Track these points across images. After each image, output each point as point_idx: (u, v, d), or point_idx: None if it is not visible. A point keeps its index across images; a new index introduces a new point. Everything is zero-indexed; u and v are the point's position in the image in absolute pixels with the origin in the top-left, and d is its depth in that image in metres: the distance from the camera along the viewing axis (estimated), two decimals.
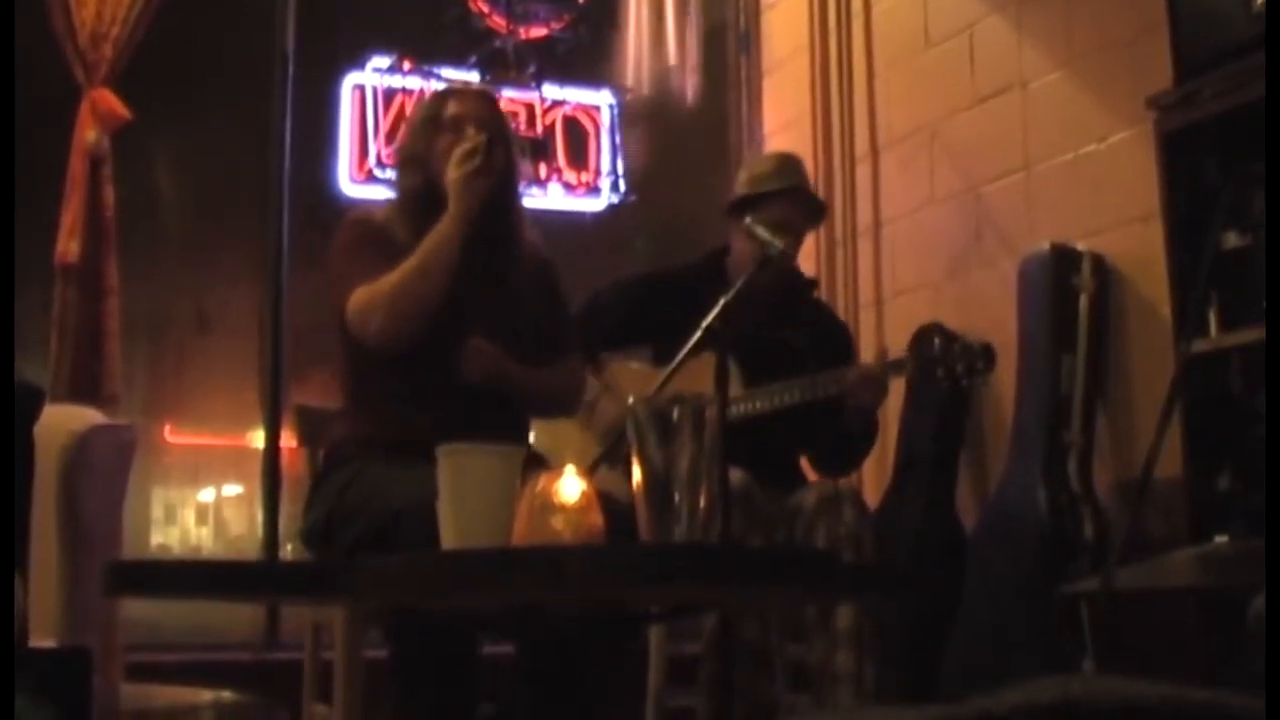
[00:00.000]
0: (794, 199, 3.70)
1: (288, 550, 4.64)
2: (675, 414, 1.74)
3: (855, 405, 3.49)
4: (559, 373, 3.15)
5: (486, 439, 1.94)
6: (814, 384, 3.48)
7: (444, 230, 2.90)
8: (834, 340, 3.81)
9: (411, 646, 2.62)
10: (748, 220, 3.54)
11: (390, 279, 2.87)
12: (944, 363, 3.44)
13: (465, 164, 2.92)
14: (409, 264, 2.88)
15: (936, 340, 3.59)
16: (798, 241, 3.69)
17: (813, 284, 4.03)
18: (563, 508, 1.78)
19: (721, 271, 3.68)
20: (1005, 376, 4.07)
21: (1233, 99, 3.31)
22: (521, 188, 3.33)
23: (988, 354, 3.43)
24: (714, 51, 5.99)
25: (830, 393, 3.46)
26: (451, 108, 3.09)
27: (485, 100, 3.21)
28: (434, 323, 2.87)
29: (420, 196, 3.03)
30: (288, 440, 4.69)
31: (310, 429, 3.21)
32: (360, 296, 2.89)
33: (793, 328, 3.72)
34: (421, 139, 3.09)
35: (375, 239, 3.00)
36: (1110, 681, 0.82)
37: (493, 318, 2.98)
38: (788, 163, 3.85)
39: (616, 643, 2.82)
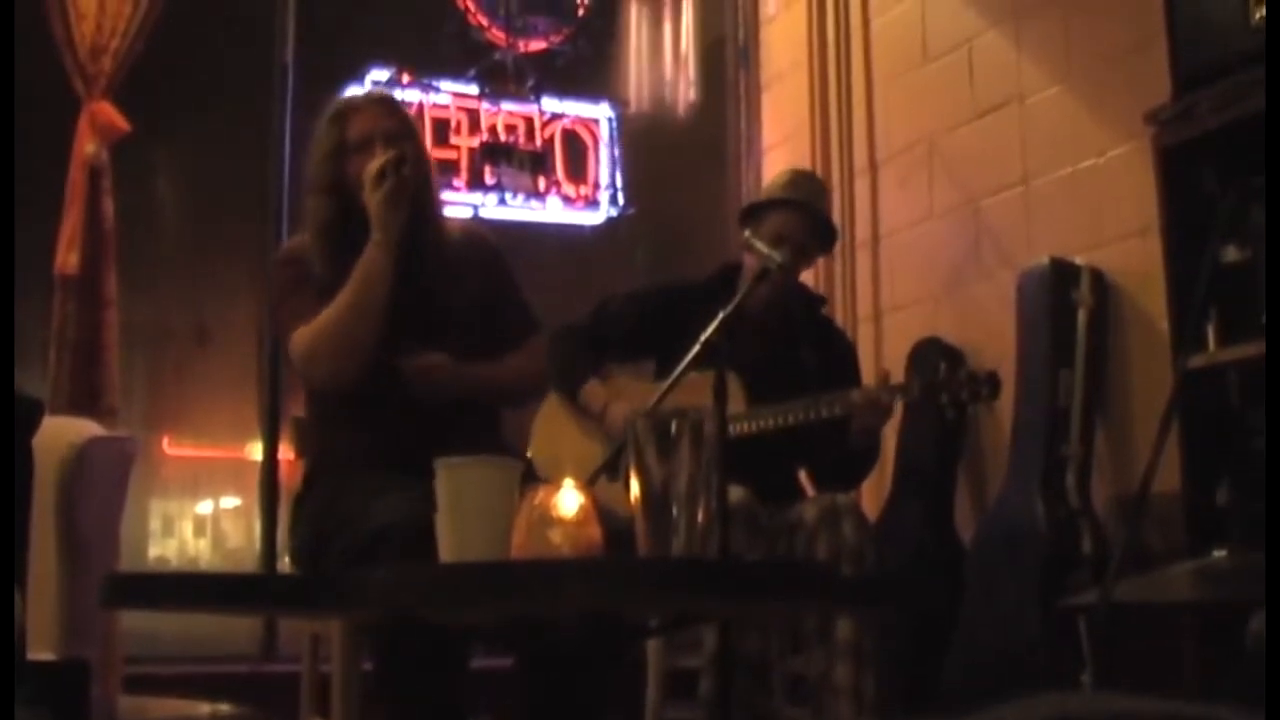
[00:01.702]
0: (797, 212, 3.69)
1: (286, 562, 4.64)
2: (674, 427, 1.74)
3: (859, 427, 3.48)
4: (520, 358, 3.13)
5: (453, 450, 1.93)
6: (818, 404, 3.48)
7: (371, 259, 2.89)
8: (839, 359, 3.80)
9: (397, 661, 2.62)
10: (747, 234, 3.55)
11: (327, 319, 2.87)
12: (949, 389, 3.44)
13: (380, 186, 2.89)
14: (343, 301, 2.87)
15: (942, 365, 3.58)
16: (799, 256, 3.67)
17: (821, 301, 4.02)
18: (561, 521, 1.78)
19: (732, 286, 3.67)
20: (1004, 391, 4.07)
21: (1231, 112, 3.31)
22: (436, 182, 3.27)
23: (992, 381, 3.41)
24: (713, 65, 6.00)
25: (834, 413, 3.46)
26: (354, 127, 3.04)
27: (386, 110, 3.14)
28: (379, 347, 2.87)
29: (336, 227, 3.00)
30: (286, 452, 4.69)
31: (308, 441, 3.21)
32: (301, 340, 2.90)
33: (798, 346, 3.72)
34: (331, 168, 3.04)
35: (304, 278, 2.99)
36: (1107, 697, 0.82)
37: (436, 321, 2.98)
38: (800, 178, 3.85)
39: (614, 655, 2.82)
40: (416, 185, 2.97)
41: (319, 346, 2.88)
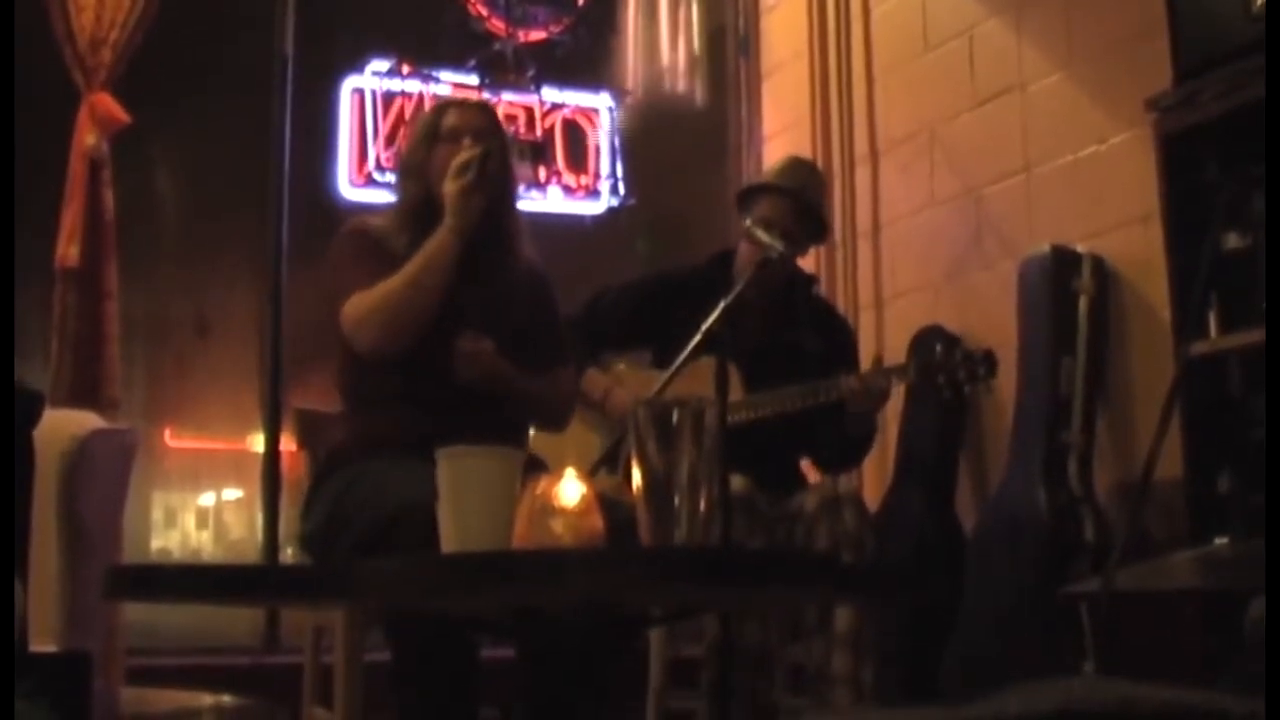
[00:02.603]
0: (785, 198, 3.69)
1: (288, 554, 4.64)
2: (675, 417, 1.74)
3: (856, 411, 3.48)
4: (552, 382, 3.17)
5: (483, 440, 1.94)
6: (815, 390, 3.48)
7: (439, 242, 2.95)
8: (836, 340, 3.80)
9: (411, 650, 2.62)
10: (748, 222, 3.55)
11: (383, 288, 2.92)
12: (945, 369, 3.44)
13: (461, 177, 2.96)
14: (403, 277, 2.92)
15: (938, 346, 3.58)
16: (791, 242, 3.65)
17: (811, 280, 4.02)
18: (563, 511, 1.78)
19: (726, 274, 3.67)
20: (1005, 378, 4.06)
21: (1232, 100, 3.31)
22: (518, 196, 3.37)
23: (989, 360, 3.42)
24: (713, 54, 5.99)
25: (831, 398, 3.46)
26: (449, 119, 3.14)
27: (483, 111, 3.25)
28: (427, 329, 2.90)
29: (418, 207, 3.08)
30: (287, 444, 4.69)
31: (310, 432, 3.21)
32: (354, 305, 2.94)
33: (794, 328, 3.72)
34: (420, 150, 3.14)
35: (372, 249, 3.04)
36: (1110, 685, 0.82)
37: (484, 321, 3.00)
38: (795, 166, 3.86)
39: (616, 645, 2.82)
40: (497, 188, 3.05)
41: (371, 315, 2.92)
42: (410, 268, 2.92)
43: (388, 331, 2.91)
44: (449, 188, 2.97)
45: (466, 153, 2.99)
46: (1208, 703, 0.80)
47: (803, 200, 3.71)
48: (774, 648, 3.36)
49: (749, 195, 3.80)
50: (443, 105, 3.26)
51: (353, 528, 2.69)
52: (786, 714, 3.35)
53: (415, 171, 3.13)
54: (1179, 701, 0.80)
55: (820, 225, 3.80)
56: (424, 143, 3.14)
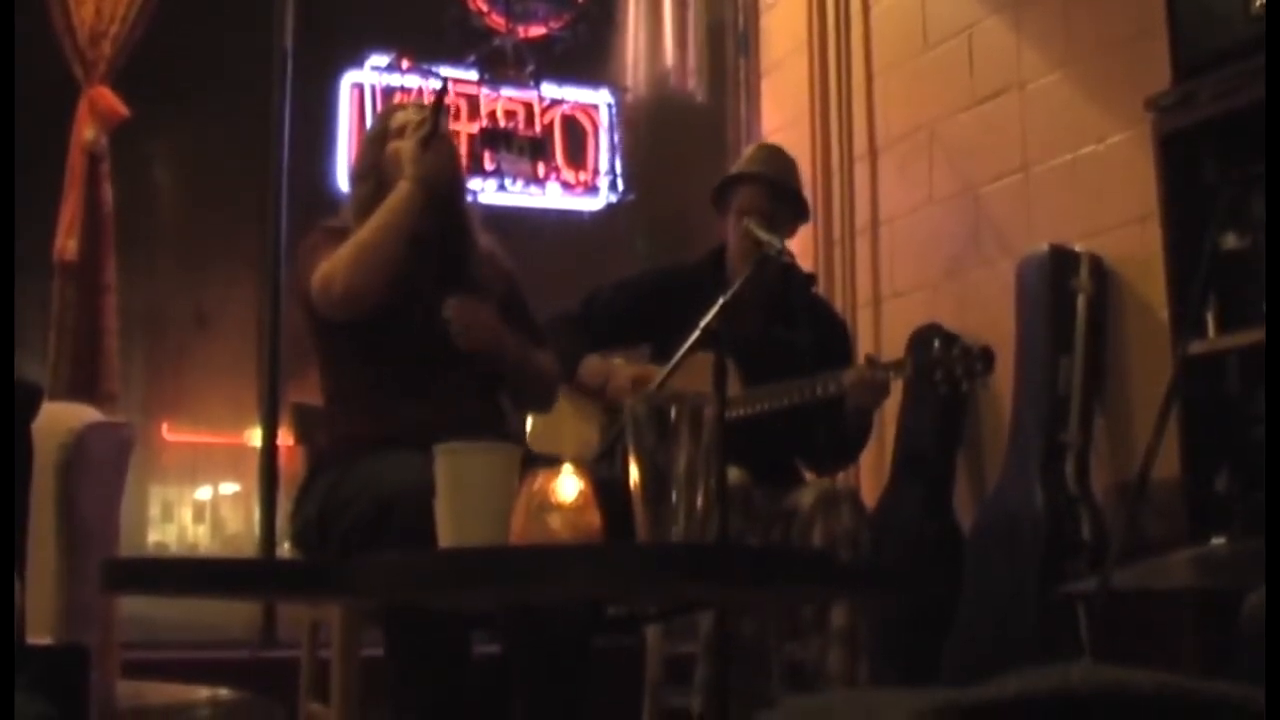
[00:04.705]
0: (756, 184, 3.70)
1: (285, 548, 4.64)
2: (673, 413, 1.74)
3: (855, 407, 3.48)
4: (543, 357, 3.17)
5: (469, 429, 1.94)
6: (813, 386, 3.48)
7: (400, 191, 2.97)
8: (833, 338, 3.80)
9: (406, 644, 2.62)
10: (746, 222, 3.55)
11: (351, 240, 2.93)
12: (943, 365, 3.44)
13: (414, 133, 3.01)
14: (370, 224, 2.93)
15: (936, 342, 3.58)
16: (776, 227, 3.62)
17: (811, 279, 4.01)
18: (560, 506, 1.78)
19: (721, 269, 3.68)
20: (1003, 377, 4.07)
21: (1231, 100, 3.31)
22: (467, 186, 3.43)
23: (987, 356, 3.42)
24: (713, 51, 5.99)
25: (829, 393, 3.46)
26: (396, 119, 3.17)
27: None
28: (396, 280, 2.89)
29: (373, 204, 3.07)
30: (285, 438, 4.68)
31: (308, 427, 3.22)
32: (322, 267, 2.94)
33: (791, 325, 3.72)
34: (371, 153, 3.17)
35: (335, 241, 3.04)
36: (1110, 670, 0.82)
37: (471, 291, 3.02)
38: (760, 152, 3.90)
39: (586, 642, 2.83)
40: (452, 174, 3.09)
41: (337, 265, 2.91)
42: (375, 217, 2.94)
43: (355, 277, 2.89)
44: (405, 145, 3.00)
45: (416, 112, 3.03)
46: (1206, 689, 0.80)
47: (779, 184, 3.73)
48: (772, 644, 3.36)
49: (725, 188, 3.80)
50: (390, 109, 3.33)
51: (346, 517, 2.68)
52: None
53: (367, 172, 3.15)
54: (1177, 686, 0.80)
55: (800, 204, 3.81)
56: (374, 145, 3.17)
